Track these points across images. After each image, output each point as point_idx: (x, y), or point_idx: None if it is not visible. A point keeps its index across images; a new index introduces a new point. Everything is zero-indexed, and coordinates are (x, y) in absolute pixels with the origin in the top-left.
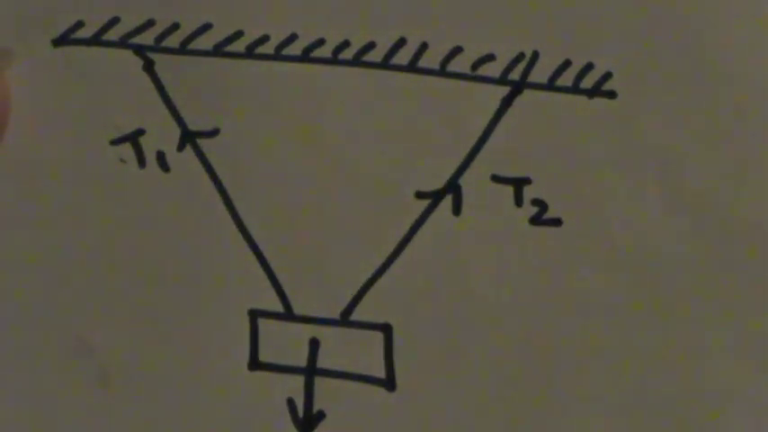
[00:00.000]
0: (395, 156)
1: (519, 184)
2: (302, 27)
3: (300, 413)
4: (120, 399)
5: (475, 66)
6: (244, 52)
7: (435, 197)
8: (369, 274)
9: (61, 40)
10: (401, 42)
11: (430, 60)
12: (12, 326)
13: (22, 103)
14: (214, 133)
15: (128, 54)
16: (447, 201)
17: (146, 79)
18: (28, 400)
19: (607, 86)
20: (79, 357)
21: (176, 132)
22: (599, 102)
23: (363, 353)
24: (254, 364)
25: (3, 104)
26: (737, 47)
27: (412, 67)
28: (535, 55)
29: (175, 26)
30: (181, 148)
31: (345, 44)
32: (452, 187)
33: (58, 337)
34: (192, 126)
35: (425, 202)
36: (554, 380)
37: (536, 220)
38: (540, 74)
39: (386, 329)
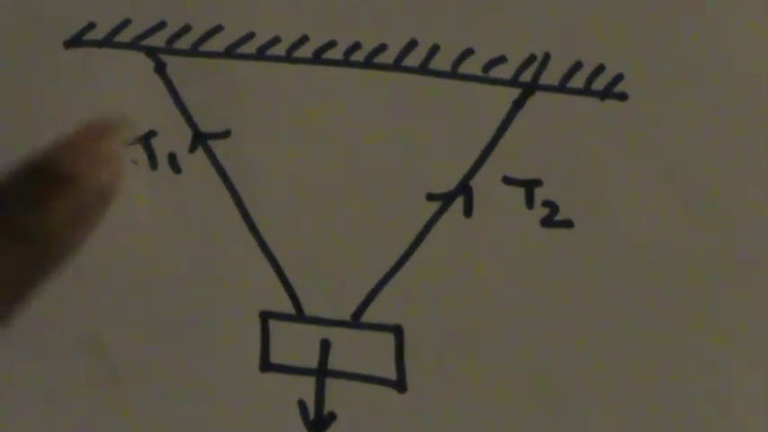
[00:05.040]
0: (406, 157)
1: (530, 185)
2: (313, 29)
3: (312, 414)
4: (132, 398)
5: (486, 68)
6: (255, 54)
7: (446, 199)
8: (380, 276)
9: (73, 42)
10: (412, 44)
11: (441, 62)
12: (24, 325)
13: (34, 104)
14: (225, 135)
15: (139, 56)
16: (458, 202)
17: (157, 81)
18: (40, 399)
19: (619, 88)
20: (91, 357)
21: (188, 134)
22: (610, 103)
23: (374, 354)
24: (266, 365)
25: (116, 177)
26: (748, 48)
27: (423, 69)
28: (546, 57)
29: (187, 28)
30: (192, 149)
31: (356, 46)
32: (463, 189)
33: (71, 337)
34: (204, 128)
35: (436, 204)
36: (565, 380)
37: (547, 222)
38: (551, 76)
39: (397, 331)
